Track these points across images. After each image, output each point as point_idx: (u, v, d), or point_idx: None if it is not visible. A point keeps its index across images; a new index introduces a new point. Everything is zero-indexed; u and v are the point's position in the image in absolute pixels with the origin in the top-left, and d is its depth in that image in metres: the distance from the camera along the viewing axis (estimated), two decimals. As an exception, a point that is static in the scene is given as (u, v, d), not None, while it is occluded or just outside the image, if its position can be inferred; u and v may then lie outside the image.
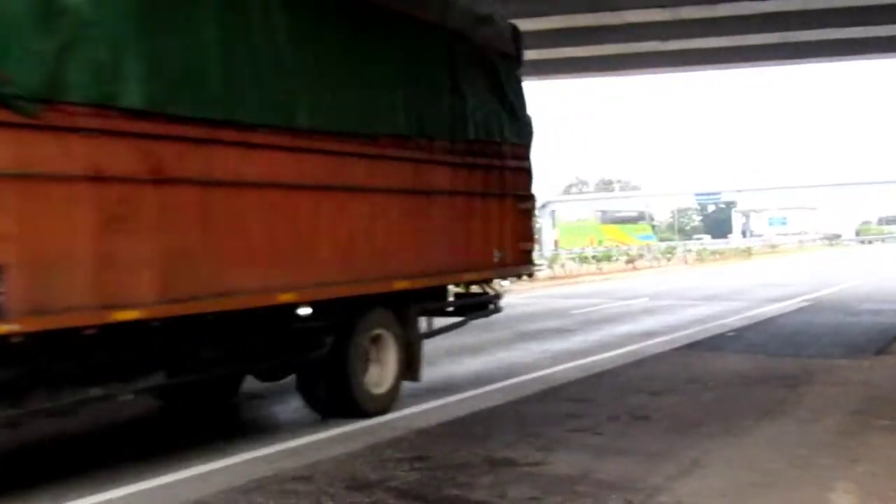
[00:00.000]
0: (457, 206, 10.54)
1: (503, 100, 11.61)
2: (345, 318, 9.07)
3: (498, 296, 11.99)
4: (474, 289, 11.81)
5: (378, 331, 9.56)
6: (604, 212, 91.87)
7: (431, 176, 10.08)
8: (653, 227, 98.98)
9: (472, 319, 11.61)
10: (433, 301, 10.62)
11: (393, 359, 9.73)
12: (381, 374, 9.61)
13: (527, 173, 12.05)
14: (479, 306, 11.90)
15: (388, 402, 9.59)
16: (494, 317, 12.14)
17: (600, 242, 70.35)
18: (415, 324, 10.16)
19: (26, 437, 8.06)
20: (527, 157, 12.08)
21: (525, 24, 21.89)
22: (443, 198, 10.27)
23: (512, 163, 11.58)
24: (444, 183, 10.29)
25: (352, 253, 8.87)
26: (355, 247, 8.92)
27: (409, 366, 9.95)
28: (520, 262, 11.91)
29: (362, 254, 9.00)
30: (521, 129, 11.96)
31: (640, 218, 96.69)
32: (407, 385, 10.00)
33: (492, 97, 11.38)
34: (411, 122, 9.72)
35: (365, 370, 9.36)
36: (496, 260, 11.21)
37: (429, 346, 10.53)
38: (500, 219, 11.31)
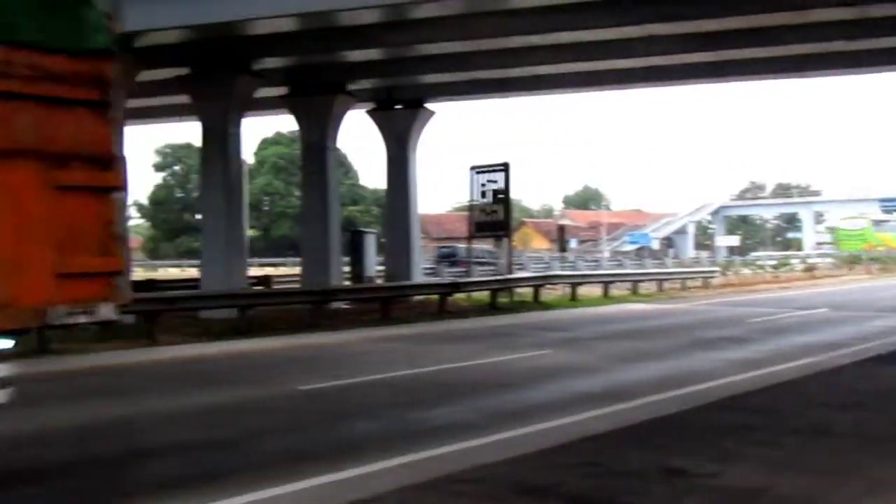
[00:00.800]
0: None
1: None
2: None
3: None
4: None
5: None
6: (875, 221, 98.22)
7: None
8: None
9: None
10: None
11: None
12: None
13: (95, 112, 6.27)
14: None
15: None
16: (669, 323, 11.36)
17: (875, 248, 79.29)
18: None
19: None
20: (100, 83, 6.30)
21: (701, 26, 21.77)
22: None
23: (31, 89, 5.94)
24: None
25: None
26: None
27: None
28: (68, 298, 6.05)
29: None
30: (74, 26, 6.29)
31: None
32: (581, 390, 9.63)
33: None
34: None
35: None
36: None
37: (597, 352, 10.25)
38: None
